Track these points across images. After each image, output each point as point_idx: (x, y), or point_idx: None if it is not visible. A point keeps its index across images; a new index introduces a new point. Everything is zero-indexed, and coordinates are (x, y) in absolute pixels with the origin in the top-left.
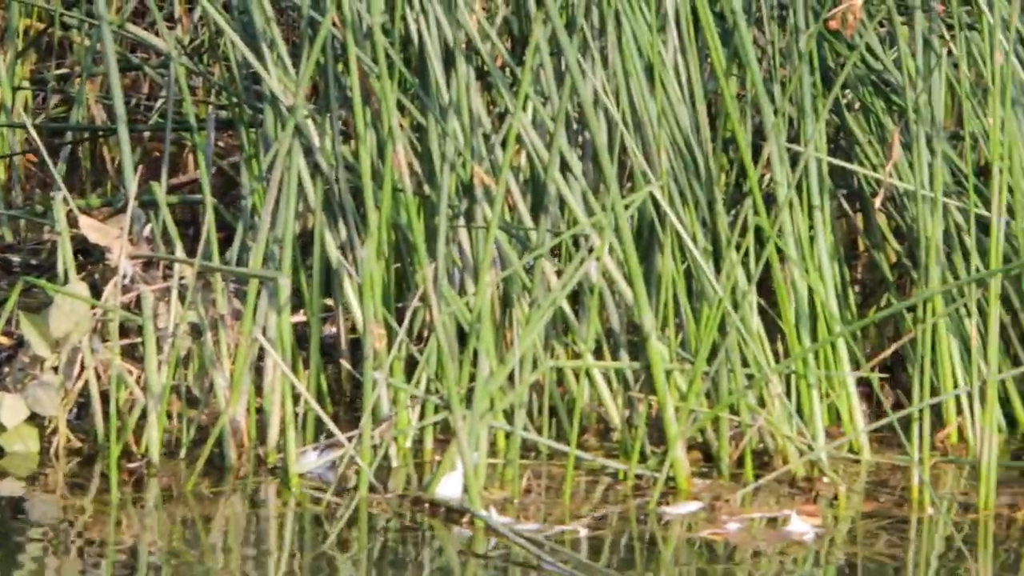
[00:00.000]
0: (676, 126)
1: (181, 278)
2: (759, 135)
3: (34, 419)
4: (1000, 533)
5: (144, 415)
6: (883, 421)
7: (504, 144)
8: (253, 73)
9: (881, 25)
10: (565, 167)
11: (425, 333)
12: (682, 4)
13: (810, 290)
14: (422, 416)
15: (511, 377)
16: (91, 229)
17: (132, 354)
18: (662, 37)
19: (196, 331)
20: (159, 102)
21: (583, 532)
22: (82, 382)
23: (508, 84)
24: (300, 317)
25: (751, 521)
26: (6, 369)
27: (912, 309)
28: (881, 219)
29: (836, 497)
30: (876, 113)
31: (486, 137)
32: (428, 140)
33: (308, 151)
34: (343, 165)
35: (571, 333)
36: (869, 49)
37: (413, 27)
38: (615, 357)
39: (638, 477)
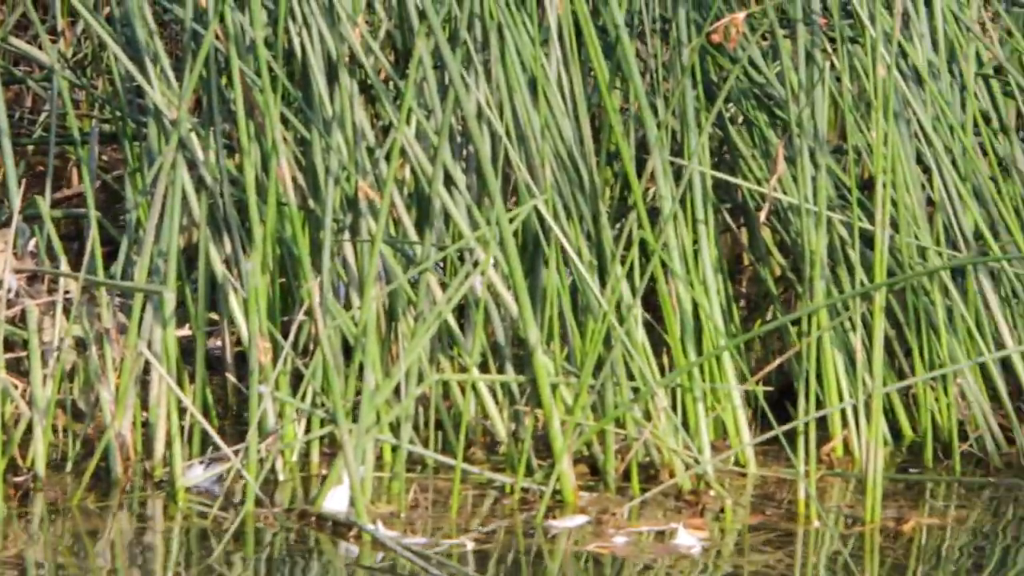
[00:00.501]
0: (560, 139)
1: (66, 292)
2: (643, 149)
3: None
4: (886, 545)
5: (30, 429)
6: (769, 434)
7: (388, 158)
8: (137, 86)
9: (764, 39)
10: (449, 181)
11: (311, 347)
12: (565, 18)
13: (695, 304)
14: (308, 430)
15: (397, 391)
16: None
17: (17, 368)
18: (545, 50)
19: (81, 345)
20: (42, 116)
21: (470, 546)
22: None
23: (392, 97)
24: (185, 331)
25: (638, 535)
26: None
27: (797, 323)
28: (766, 233)
29: (722, 510)
30: (760, 127)
31: (370, 151)
32: (312, 154)
33: (192, 165)
34: (227, 179)
35: (457, 347)
36: (752, 63)
37: (296, 40)
38: (501, 371)
39: (525, 491)
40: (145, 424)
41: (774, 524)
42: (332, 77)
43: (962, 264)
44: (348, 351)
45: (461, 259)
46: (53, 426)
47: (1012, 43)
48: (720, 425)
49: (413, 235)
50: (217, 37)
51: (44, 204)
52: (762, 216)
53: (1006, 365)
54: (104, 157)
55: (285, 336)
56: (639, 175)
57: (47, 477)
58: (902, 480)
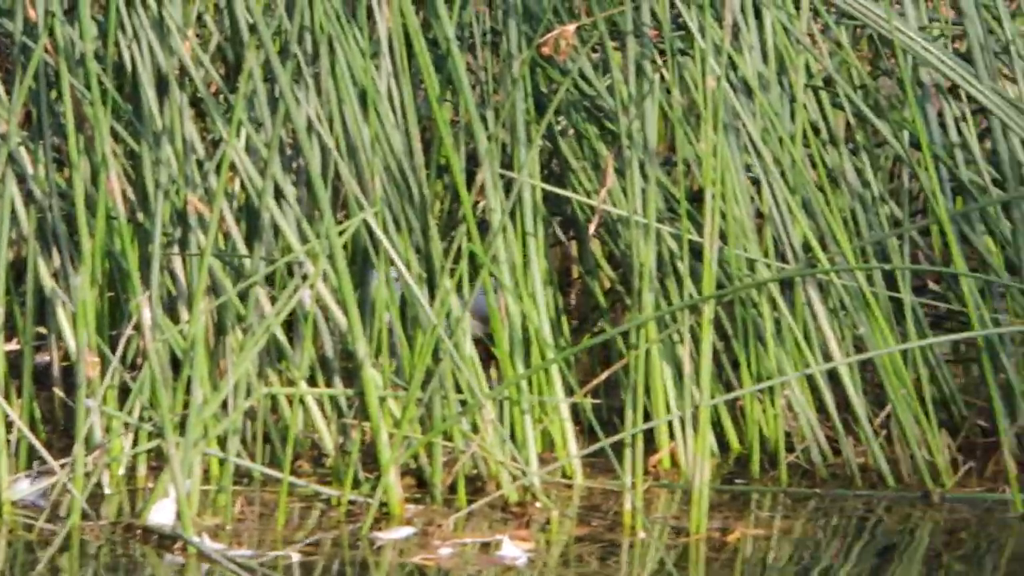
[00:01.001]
0: (390, 152)
1: None
2: (473, 161)
3: None
4: (712, 557)
5: None
6: (596, 446)
7: (218, 171)
8: None
9: (594, 51)
10: (279, 194)
11: (139, 361)
12: (395, 30)
13: (524, 316)
14: (135, 443)
15: (225, 404)
16: None
17: None
18: (375, 63)
19: None
20: None
21: (296, 557)
22: None
23: (222, 111)
24: (13, 345)
25: (463, 546)
26: None
27: (625, 335)
28: (595, 245)
29: (549, 522)
30: (590, 139)
31: (200, 164)
32: (142, 167)
33: (21, 179)
34: (56, 193)
35: (285, 360)
36: (582, 75)
37: (126, 53)
38: (329, 384)
39: (351, 503)
40: None
41: (600, 535)
42: (162, 90)
43: (790, 276)
44: (176, 365)
45: (290, 272)
46: None
47: (841, 55)
48: (548, 437)
49: (243, 248)
50: (46, 50)
51: None
52: (592, 228)
53: (833, 377)
54: None
55: (113, 350)
56: (469, 187)
57: None
58: (728, 491)
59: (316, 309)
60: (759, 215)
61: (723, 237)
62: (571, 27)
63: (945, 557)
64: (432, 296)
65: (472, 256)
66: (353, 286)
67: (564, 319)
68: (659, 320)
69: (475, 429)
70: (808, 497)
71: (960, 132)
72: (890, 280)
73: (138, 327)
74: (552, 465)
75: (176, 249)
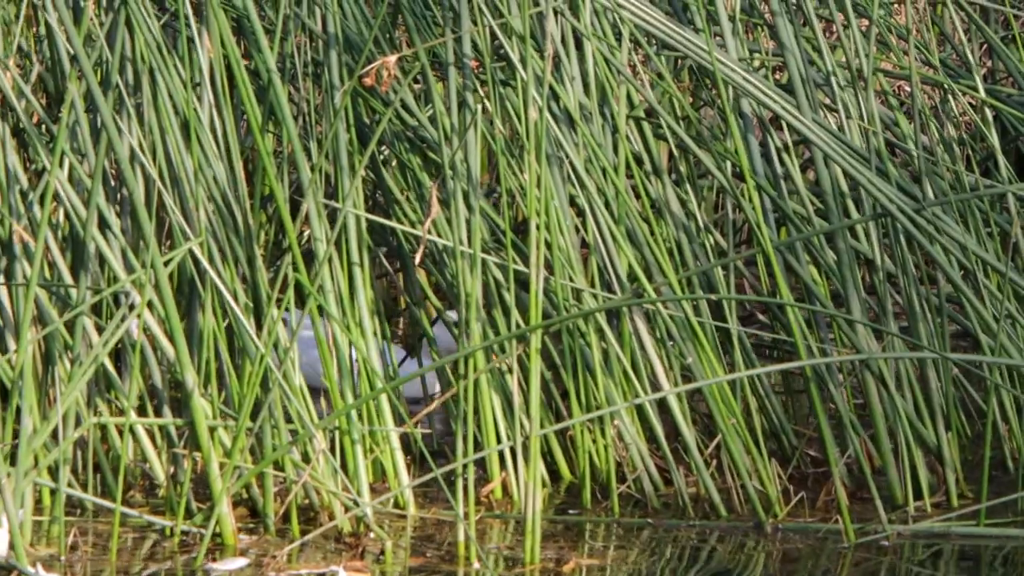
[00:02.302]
0: (214, 183)
1: None
2: (297, 192)
3: None
4: None
5: None
6: (428, 476)
7: (42, 201)
8: None
9: (416, 82)
10: (104, 224)
11: None
12: (216, 61)
13: (351, 346)
14: None
15: (55, 434)
16: None
17: None
18: (197, 94)
19: None
20: None
21: None
22: None
23: (44, 141)
24: None
25: None
26: None
27: (455, 365)
28: (421, 275)
29: (383, 552)
30: (413, 169)
31: (23, 194)
32: None
33: None
34: None
35: (114, 390)
36: (404, 106)
37: None
38: (159, 414)
39: (184, 533)
40: None
41: (434, 566)
42: None
43: (617, 306)
44: (5, 395)
45: (117, 302)
46: None
47: (663, 86)
48: (379, 467)
49: (68, 278)
50: None
51: None
52: (417, 258)
53: (662, 407)
54: None
55: None
56: (294, 218)
57: None
58: (561, 521)
59: (143, 339)
60: (584, 245)
61: (549, 267)
62: (392, 58)
63: None
64: (259, 326)
65: (298, 286)
66: (180, 316)
67: (391, 349)
68: (487, 350)
69: (306, 459)
70: (641, 527)
71: (783, 163)
72: (717, 310)
73: None
74: (384, 495)
75: (1, 279)
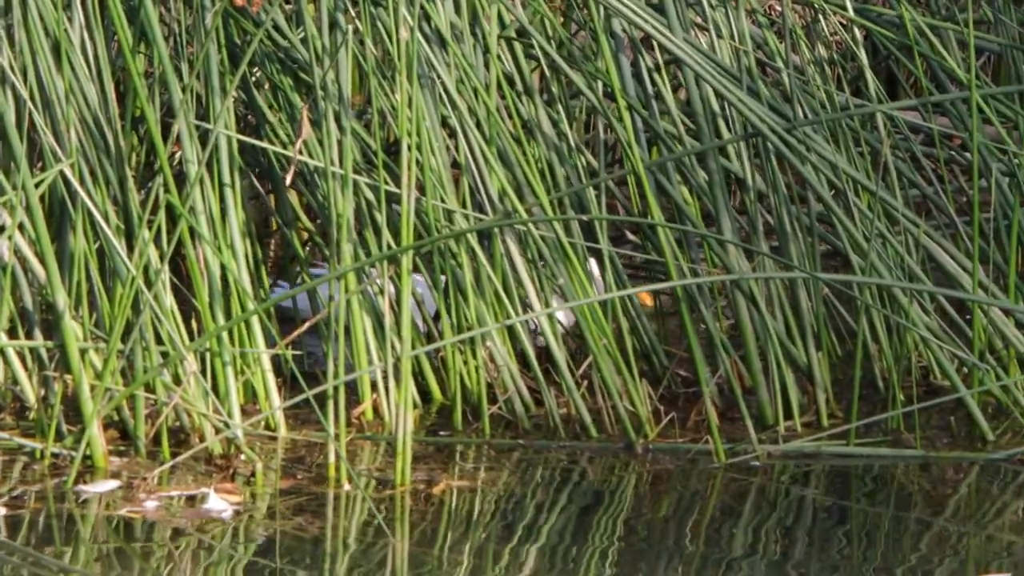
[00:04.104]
0: (85, 104)
1: None
2: (168, 113)
3: None
4: (417, 508)
5: None
6: (298, 398)
7: None
8: None
9: (287, 2)
10: None
11: None
12: None
13: (223, 268)
14: None
15: None
16: None
17: None
18: (68, 15)
19: None
20: None
21: (0, 511)
22: None
23: None
24: None
25: (169, 499)
26: None
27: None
28: (293, 196)
29: (253, 474)
30: (285, 91)
31: None
32: None
33: None
34: None
35: None
36: (276, 27)
37: None
38: (29, 336)
39: (55, 456)
40: None
41: (305, 487)
42: None
43: (488, 227)
44: None
45: None
46: None
47: (534, 5)
48: (251, 389)
49: None
50: None
51: None
52: (288, 180)
53: (534, 327)
54: None
55: None
56: (165, 139)
57: None
58: (432, 443)
59: (14, 261)
60: (456, 166)
61: (420, 188)
62: None
63: (649, 507)
64: (130, 248)
65: (170, 207)
66: (51, 238)
67: (263, 270)
68: (358, 271)
69: (177, 381)
70: (512, 448)
71: (654, 83)
72: (588, 230)
73: None
74: (255, 417)
75: None
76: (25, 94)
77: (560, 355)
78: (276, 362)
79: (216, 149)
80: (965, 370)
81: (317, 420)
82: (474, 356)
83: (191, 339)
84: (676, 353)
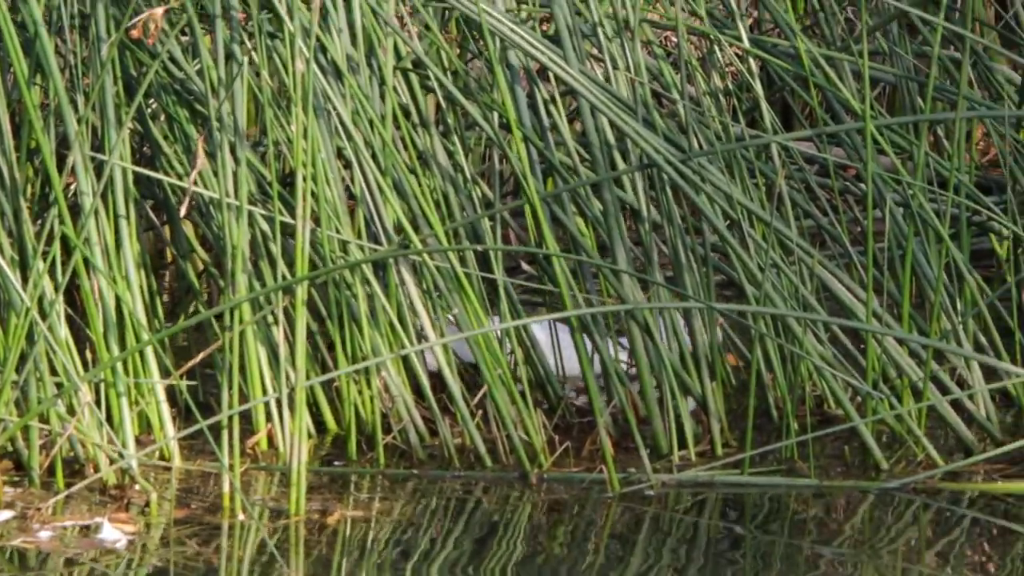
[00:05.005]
0: None
1: None
2: (63, 144)
3: None
4: (311, 538)
5: None
6: (193, 428)
7: None
8: None
9: (184, 34)
10: None
11: None
12: None
13: (118, 299)
14: None
15: None
16: None
17: None
18: None
19: None
20: None
21: None
22: None
23: None
24: None
25: (63, 529)
26: None
27: (220, 317)
28: (188, 228)
29: (148, 504)
30: (180, 122)
31: None
32: None
33: None
34: None
35: None
36: (172, 58)
37: None
38: None
39: None
40: None
41: (200, 518)
42: None
43: (383, 257)
44: None
45: None
46: None
47: (430, 37)
48: (145, 419)
49: None
50: None
51: None
52: (183, 211)
53: (426, 358)
54: None
55: None
56: (60, 170)
57: None
58: (326, 473)
59: None
60: (351, 197)
61: (316, 219)
62: (159, 10)
63: (544, 537)
64: (24, 279)
65: (64, 239)
66: None
67: (158, 301)
68: (253, 302)
69: (71, 412)
70: (406, 478)
71: (550, 114)
72: (483, 261)
73: None
74: (150, 447)
75: None
76: None
77: (455, 385)
78: (171, 392)
79: (111, 180)
80: (859, 399)
81: (212, 450)
82: (369, 386)
83: (85, 370)
84: (571, 383)
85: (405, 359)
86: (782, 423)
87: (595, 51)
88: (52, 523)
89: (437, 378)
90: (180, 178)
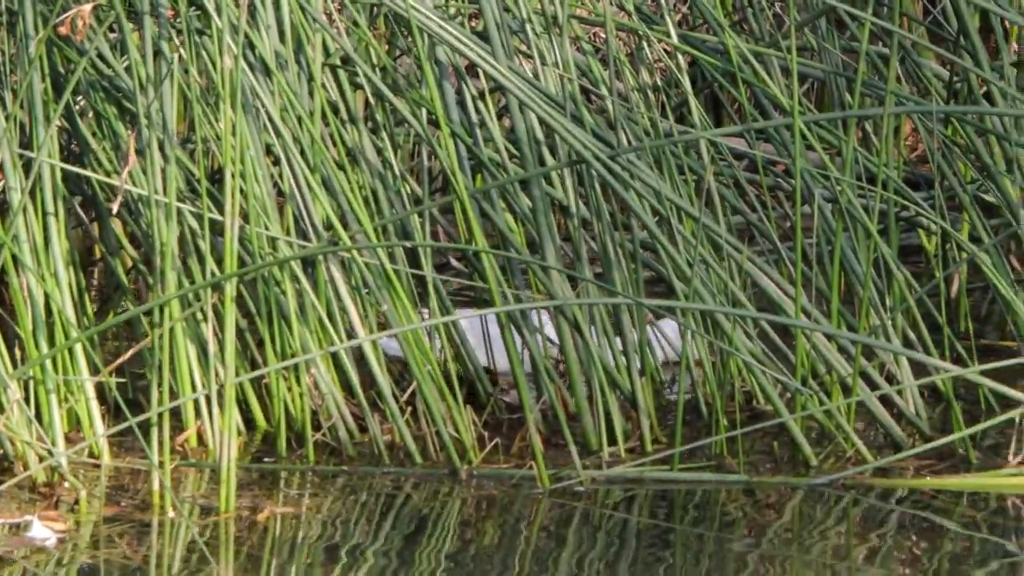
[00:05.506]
0: None
1: None
2: None
3: None
4: (241, 535)
5: None
6: (123, 425)
7: None
8: None
9: (112, 31)
10: None
11: None
12: None
13: (47, 296)
14: None
15: None
16: None
17: None
18: None
19: None
20: None
21: None
22: None
23: None
24: None
25: None
26: None
27: (149, 314)
28: (117, 225)
29: (77, 502)
30: (109, 119)
31: None
32: None
33: None
34: None
35: None
36: (100, 55)
37: None
38: None
39: None
40: None
41: (129, 515)
42: None
43: (312, 254)
44: None
45: None
46: None
47: (358, 33)
48: (74, 417)
49: None
50: None
51: None
52: (113, 208)
53: (359, 354)
54: None
55: None
56: None
57: None
58: (256, 469)
59: None
60: (280, 193)
61: (244, 216)
62: (88, 7)
63: (474, 533)
64: None
65: None
66: None
67: (87, 298)
68: (182, 299)
69: (0, 409)
70: (336, 475)
71: (478, 110)
72: (412, 257)
73: None
74: (79, 445)
75: None
76: None
77: (384, 382)
78: (100, 390)
79: (39, 178)
80: (788, 395)
81: (141, 447)
82: (298, 383)
83: (14, 367)
84: (496, 379)
85: (334, 356)
86: (711, 419)
87: (524, 47)
88: None
89: (368, 374)
90: (109, 175)
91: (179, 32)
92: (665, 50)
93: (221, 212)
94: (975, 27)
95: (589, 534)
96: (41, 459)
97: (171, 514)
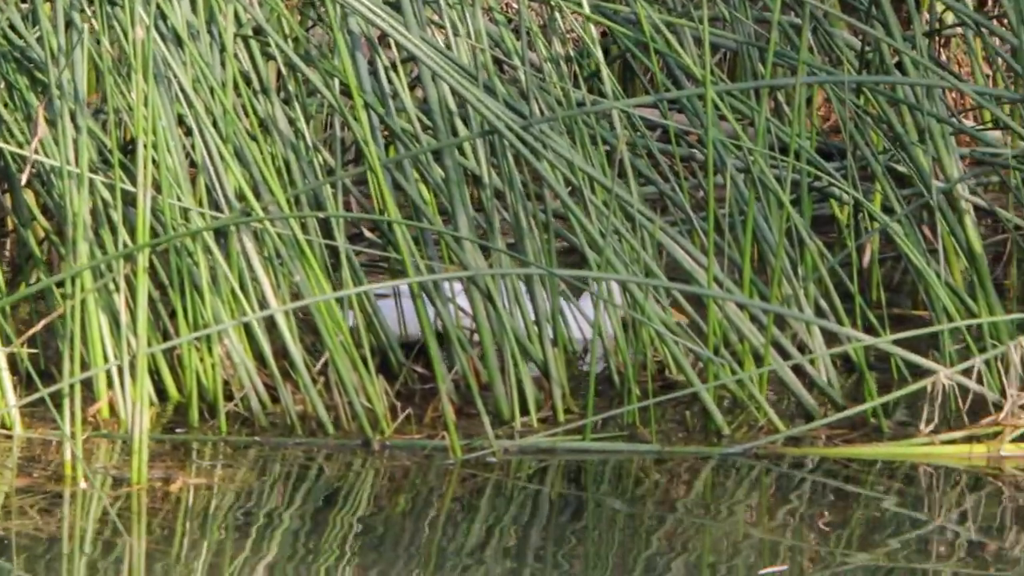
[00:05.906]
0: None
1: None
2: None
3: None
4: (154, 506)
5: None
6: (34, 396)
7: None
8: None
9: (23, 2)
10: None
11: None
12: None
13: None
14: None
15: None
16: None
17: None
18: None
19: None
20: None
21: None
22: None
23: None
24: None
25: None
26: None
27: (61, 285)
28: (29, 196)
29: None
30: (21, 90)
31: None
32: None
33: None
34: None
35: None
36: (12, 26)
37: None
38: None
39: None
40: None
41: (41, 486)
42: None
43: (225, 225)
44: None
45: None
46: None
47: (270, 4)
48: None
49: None
50: None
51: None
52: (24, 179)
53: (271, 325)
54: None
55: None
56: None
57: None
58: (168, 440)
59: None
60: (192, 164)
61: (156, 187)
62: None
63: (386, 504)
64: None
65: None
66: None
67: None
68: (94, 270)
69: None
70: (248, 446)
71: (391, 80)
72: (325, 228)
73: None
74: None
75: None
76: None
77: (296, 352)
78: (12, 360)
79: None
80: (700, 365)
81: (53, 418)
82: (210, 353)
83: None
84: (413, 349)
85: (247, 326)
86: (624, 389)
87: (436, 18)
88: None
89: (281, 345)
90: (20, 146)
91: (90, 2)
92: (577, 20)
93: (133, 183)
94: None
95: (502, 504)
96: None
97: (83, 485)
